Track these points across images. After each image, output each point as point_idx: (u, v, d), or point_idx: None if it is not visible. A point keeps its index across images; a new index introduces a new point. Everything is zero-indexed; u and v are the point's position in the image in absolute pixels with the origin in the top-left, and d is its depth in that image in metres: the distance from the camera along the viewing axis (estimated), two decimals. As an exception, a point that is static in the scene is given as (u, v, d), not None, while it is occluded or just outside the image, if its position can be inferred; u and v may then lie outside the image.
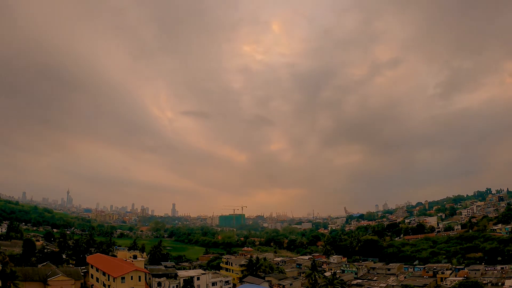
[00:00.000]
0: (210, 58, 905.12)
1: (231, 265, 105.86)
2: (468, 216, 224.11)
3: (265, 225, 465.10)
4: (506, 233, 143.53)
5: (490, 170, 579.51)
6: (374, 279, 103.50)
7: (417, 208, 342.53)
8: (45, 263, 78.67)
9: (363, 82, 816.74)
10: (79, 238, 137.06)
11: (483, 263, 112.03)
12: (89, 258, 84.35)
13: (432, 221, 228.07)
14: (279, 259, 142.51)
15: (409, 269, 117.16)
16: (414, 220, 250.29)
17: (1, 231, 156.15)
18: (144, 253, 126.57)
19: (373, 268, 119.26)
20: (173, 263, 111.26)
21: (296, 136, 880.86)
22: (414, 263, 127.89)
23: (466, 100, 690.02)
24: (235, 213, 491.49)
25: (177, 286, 76.09)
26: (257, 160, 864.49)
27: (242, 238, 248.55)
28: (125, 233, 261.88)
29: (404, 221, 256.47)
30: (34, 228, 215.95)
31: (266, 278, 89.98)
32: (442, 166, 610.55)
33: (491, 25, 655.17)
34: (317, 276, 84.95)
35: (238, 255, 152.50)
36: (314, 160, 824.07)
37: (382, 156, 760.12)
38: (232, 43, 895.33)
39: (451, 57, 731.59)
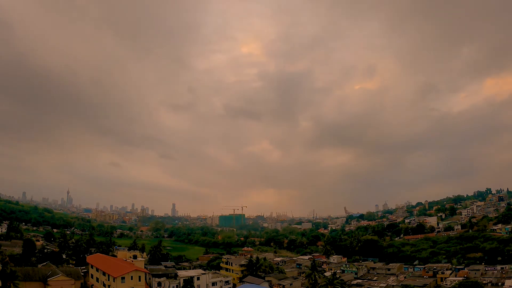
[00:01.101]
0: (179, 60, 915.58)
1: (231, 265, 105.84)
2: (468, 216, 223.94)
3: (265, 225, 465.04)
4: (506, 233, 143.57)
5: (480, 170, 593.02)
6: (374, 279, 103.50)
7: (417, 208, 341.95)
8: (45, 263, 78.66)
9: (339, 86, 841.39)
10: (79, 238, 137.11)
11: (483, 263, 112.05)
12: (89, 258, 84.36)
13: (432, 221, 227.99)
14: (279, 259, 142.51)
15: (409, 269, 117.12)
16: (414, 220, 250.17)
17: (1, 231, 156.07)
18: (144, 253, 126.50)
19: (373, 268, 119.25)
20: (173, 263, 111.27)
21: (280, 138, 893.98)
22: (414, 263, 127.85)
23: (449, 103, 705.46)
24: (235, 213, 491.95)
25: (177, 286, 76.05)
26: (245, 160, 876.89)
27: (242, 238, 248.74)
28: (125, 233, 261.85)
29: (404, 221, 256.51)
30: (34, 228, 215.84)
31: (266, 278, 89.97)
32: (433, 167, 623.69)
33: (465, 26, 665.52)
34: (317, 276, 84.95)
35: (238, 255, 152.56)
36: (304, 160, 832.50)
37: (373, 157, 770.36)
38: (202, 46, 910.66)
39: (429, 60, 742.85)
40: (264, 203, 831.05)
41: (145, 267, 77.24)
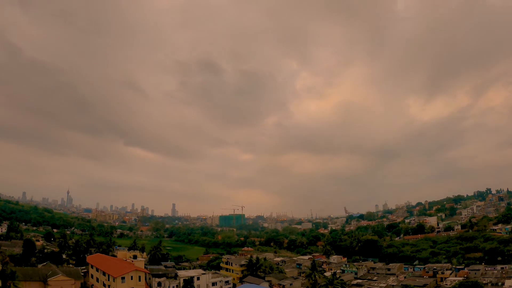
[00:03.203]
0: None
1: (231, 265, 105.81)
2: (468, 216, 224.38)
3: (265, 225, 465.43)
4: (506, 233, 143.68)
5: (466, 171, 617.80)
6: (374, 279, 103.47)
7: (417, 208, 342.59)
8: (45, 263, 78.65)
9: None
10: (79, 238, 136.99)
11: (483, 263, 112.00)
12: (89, 258, 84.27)
13: (432, 221, 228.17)
14: (279, 259, 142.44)
15: (409, 269, 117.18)
16: (414, 220, 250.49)
17: (1, 231, 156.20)
18: (144, 253, 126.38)
19: (373, 268, 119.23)
20: (173, 263, 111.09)
21: (247, 140, 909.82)
22: (414, 263, 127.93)
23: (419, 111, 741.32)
24: (235, 213, 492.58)
25: (177, 286, 76.01)
26: (219, 161, 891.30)
27: (242, 238, 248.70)
28: (125, 233, 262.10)
29: (404, 221, 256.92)
30: (34, 228, 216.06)
31: (266, 278, 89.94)
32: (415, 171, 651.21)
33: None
34: (317, 276, 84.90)
35: (238, 255, 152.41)
36: (278, 163, 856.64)
37: (359, 161, 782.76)
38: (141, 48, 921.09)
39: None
40: (257, 203, 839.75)
41: (145, 267, 77.11)
